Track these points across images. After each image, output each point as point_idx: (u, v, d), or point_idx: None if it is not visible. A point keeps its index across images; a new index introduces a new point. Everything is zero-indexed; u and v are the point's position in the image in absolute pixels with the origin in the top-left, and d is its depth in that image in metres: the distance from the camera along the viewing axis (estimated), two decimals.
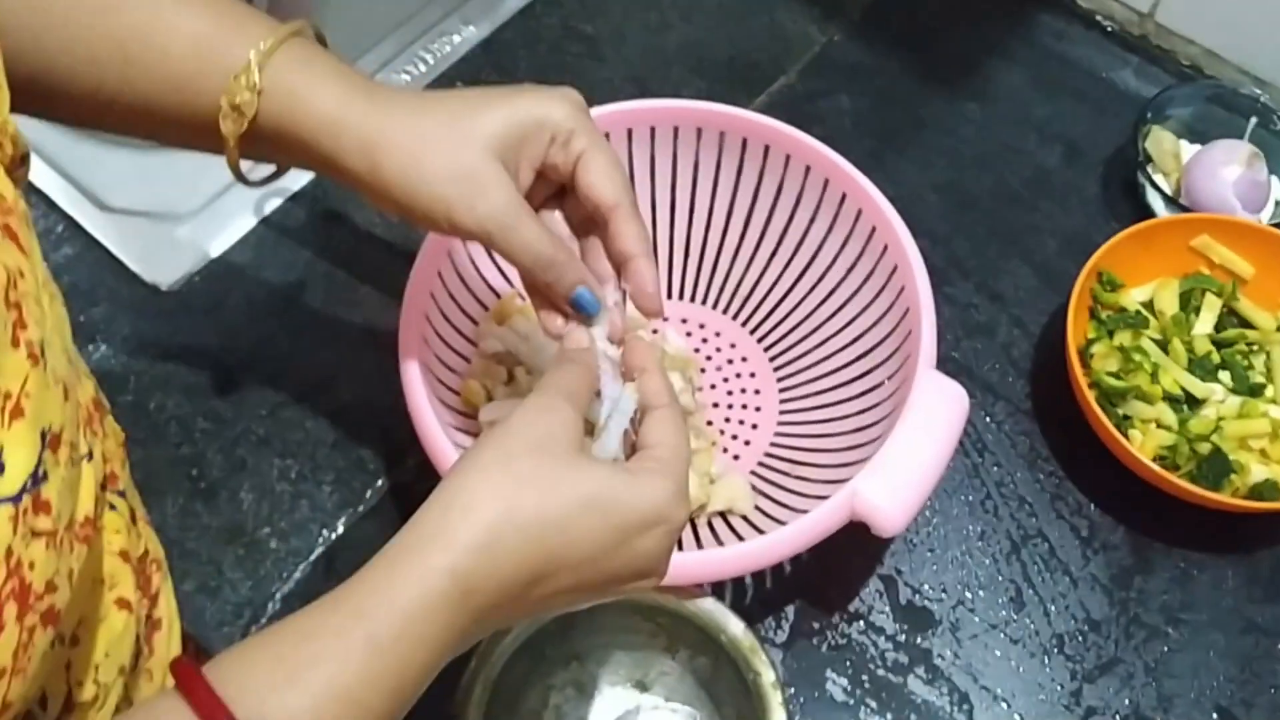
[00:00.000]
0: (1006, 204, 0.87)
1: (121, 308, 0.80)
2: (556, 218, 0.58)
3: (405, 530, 0.46)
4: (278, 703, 0.41)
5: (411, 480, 0.74)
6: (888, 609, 0.71)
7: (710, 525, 0.70)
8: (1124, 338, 0.75)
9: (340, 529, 0.73)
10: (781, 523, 0.68)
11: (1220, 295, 0.77)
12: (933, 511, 0.74)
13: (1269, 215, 0.82)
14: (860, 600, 0.72)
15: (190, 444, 0.75)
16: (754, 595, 0.71)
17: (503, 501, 0.45)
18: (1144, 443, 0.72)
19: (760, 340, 0.78)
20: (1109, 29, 0.95)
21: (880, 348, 0.70)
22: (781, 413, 0.76)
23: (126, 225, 0.83)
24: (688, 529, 0.70)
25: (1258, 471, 0.71)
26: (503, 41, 0.93)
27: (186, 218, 0.83)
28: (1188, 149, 0.85)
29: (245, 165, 0.56)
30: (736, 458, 0.74)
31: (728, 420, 0.76)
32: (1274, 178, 0.83)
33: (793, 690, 0.69)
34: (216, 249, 0.82)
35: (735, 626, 0.62)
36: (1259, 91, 0.84)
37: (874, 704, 0.68)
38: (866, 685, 0.69)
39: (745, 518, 0.70)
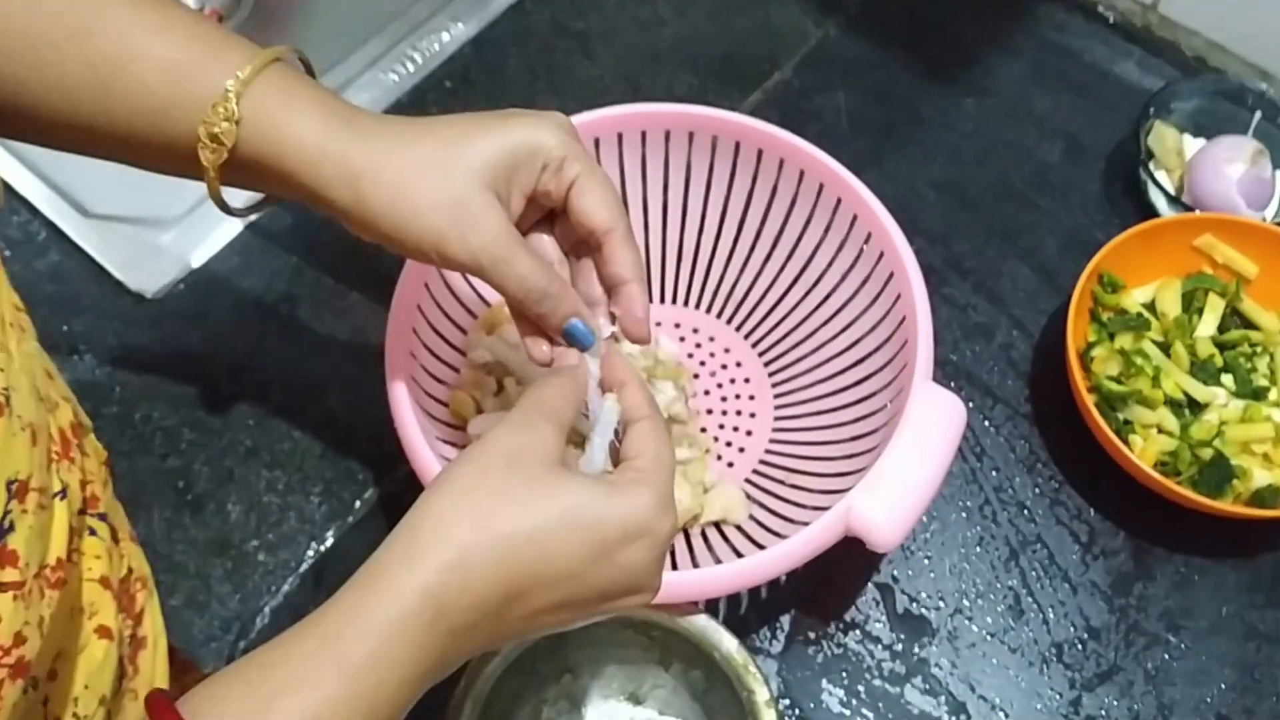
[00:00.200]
0: (1006, 201, 0.85)
1: (105, 317, 0.79)
2: (547, 242, 0.57)
3: (378, 551, 0.45)
4: None
5: (401, 490, 0.74)
6: (884, 618, 0.70)
7: (704, 535, 0.69)
8: (1125, 340, 0.74)
9: (329, 540, 0.72)
10: (776, 534, 0.67)
11: (1224, 295, 0.76)
12: (930, 518, 0.73)
13: (1273, 212, 0.80)
14: (856, 609, 0.71)
15: (177, 455, 0.74)
16: (748, 604, 0.70)
17: (474, 518, 0.44)
18: (1145, 449, 0.71)
19: (755, 346, 0.77)
20: (1111, 20, 0.93)
21: (876, 355, 0.69)
22: (776, 419, 0.75)
23: (110, 232, 0.81)
24: (681, 540, 0.69)
25: (1260, 477, 0.70)
26: (492, 39, 0.91)
27: (171, 224, 0.82)
28: (1191, 144, 0.83)
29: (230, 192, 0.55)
30: (730, 465, 0.73)
31: (721, 427, 0.75)
32: (1278, 173, 0.82)
33: (788, 702, 0.68)
34: (201, 256, 0.81)
35: (729, 644, 0.61)
36: (1264, 85, 0.83)
37: (870, 715, 0.68)
38: (863, 695, 0.68)
39: (739, 528, 0.69)
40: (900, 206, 0.81)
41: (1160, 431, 0.72)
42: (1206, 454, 0.70)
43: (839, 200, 0.70)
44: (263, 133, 0.52)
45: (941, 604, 0.71)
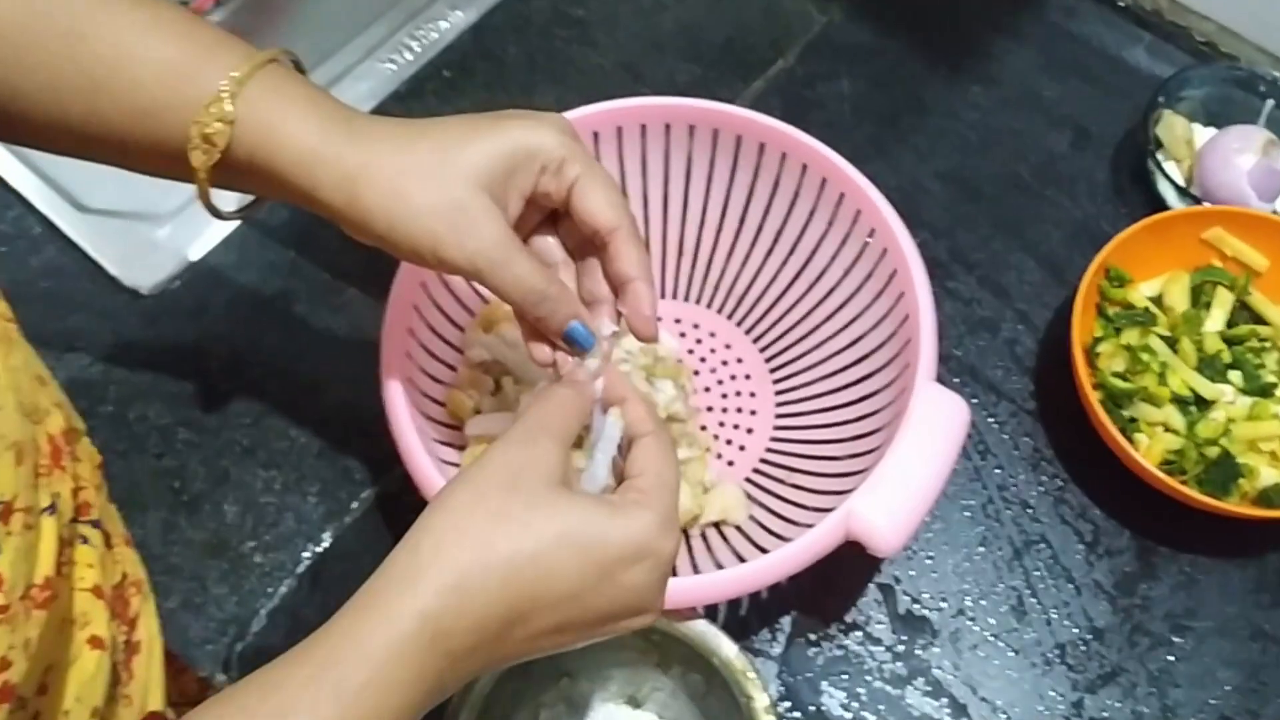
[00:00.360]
0: (1012, 192, 0.84)
1: (100, 314, 0.78)
2: (551, 243, 0.56)
3: (375, 574, 0.44)
4: None
5: (399, 490, 0.73)
6: (886, 619, 0.70)
7: (704, 536, 0.69)
8: (1131, 336, 0.73)
9: (326, 542, 0.71)
10: (777, 535, 0.66)
11: (1233, 289, 0.75)
12: (933, 517, 0.72)
13: None
14: (858, 610, 0.70)
15: (172, 455, 0.74)
16: (749, 606, 0.70)
17: (473, 539, 0.44)
18: (1150, 447, 0.70)
19: (756, 341, 0.76)
20: (1121, 4, 0.91)
21: (878, 353, 0.68)
22: (778, 416, 0.74)
23: (105, 227, 0.80)
24: (681, 544, 0.68)
25: (1267, 475, 0.69)
26: (491, 27, 0.90)
27: (166, 218, 0.81)
28: (1201, 133, 0.82)
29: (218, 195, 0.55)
30: (731, 464, 0.73)
31: (722, 425, 0.74)
32: None
33: (788, 704, 0.67)
34: (197, 251, 0.80)
35: (728, 649, 0.60)
36: (1276, 73, 0.81)
37: (871, 717, 0.67)
38: (864, 698, 0.67)
39: (739, 528, 0.69)
40: (905, 198, 0.80)
41: (1166, 430, 0.71)
42: (1213, 452, 0.69)
43: (842, 195, 0.69)
44: (257, 134, 0.51)
45: (944, 604, 0.70)
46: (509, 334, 0.70)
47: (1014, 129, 0.86)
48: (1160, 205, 0.81)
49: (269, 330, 0.78)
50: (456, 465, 0.66)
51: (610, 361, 0.53)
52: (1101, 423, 0.68)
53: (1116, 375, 0.72)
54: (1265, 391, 0.72)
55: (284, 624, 0.69)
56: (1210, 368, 0.72)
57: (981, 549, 0.72)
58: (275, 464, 0.74)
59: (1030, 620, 0.70)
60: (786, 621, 0.70)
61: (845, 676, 0.68)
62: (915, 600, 0.70)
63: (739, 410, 0.74)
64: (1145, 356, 0.72)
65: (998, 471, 0.74)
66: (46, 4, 0.51)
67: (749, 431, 0.74)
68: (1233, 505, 0.67)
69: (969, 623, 0.69)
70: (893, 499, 0.58)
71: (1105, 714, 0.67)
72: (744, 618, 0.69)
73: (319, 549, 0.71)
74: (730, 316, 0.77)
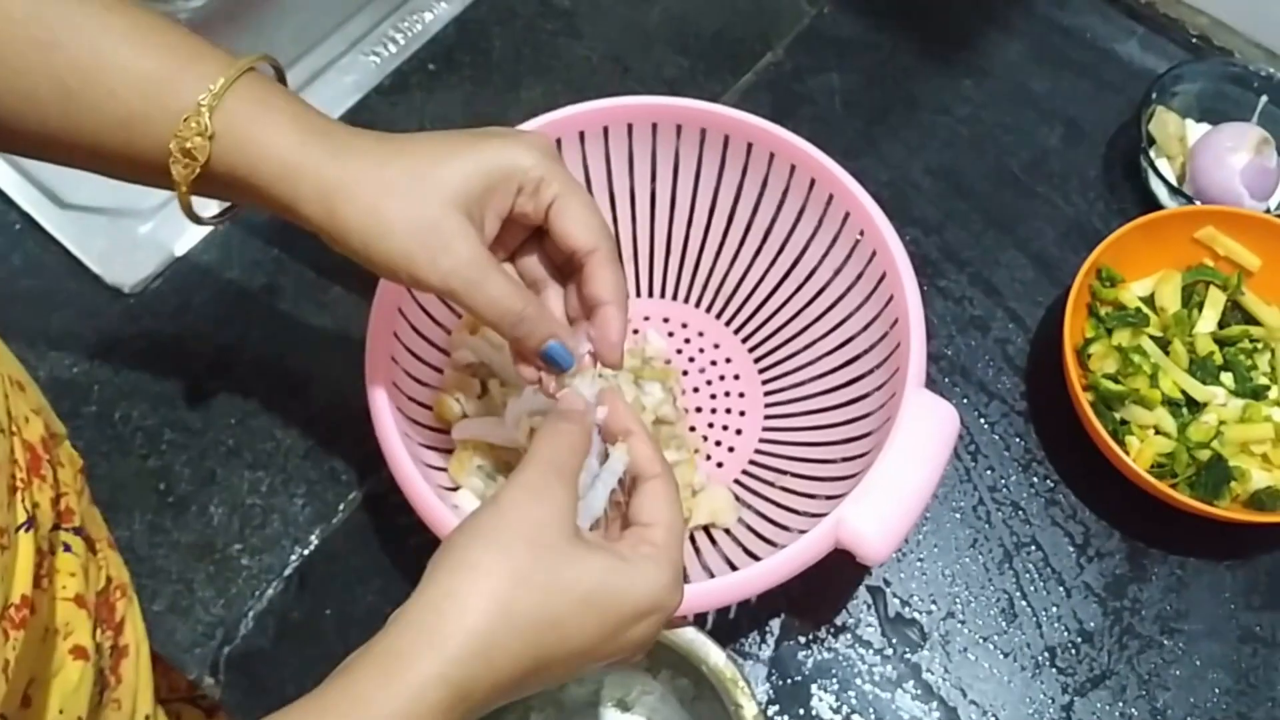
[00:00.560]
0: (1003, 189, 0.83)
1: (83, 312, 0.77)
2: (533, 263, 0.56)
3: (395, 631, 0.44)
4: None
5: (386, 490, 0.72)
6: (875, 621, 0.70)
7: (693, 539, 0.68)
8: (1123, 337, 0.73)
9: (313, 543, 0.71)
10: (766, 539, 0.66)
11: (1224, 289, 0.74)
12: (923, 519, 0.72)
13: (1278, 200, 0.78)
14: (847, 612, 0.70)
15: (157, 456, 0.73)
16: (738, 609, 0.69)
17: (498, 604, 0.44)
18: (1141, 450, 0.70)
19: (745, 341, 0.76)
20: None
21: (868, 355, 0.68)
22: (767, 417, 0.73)
23: (86, 223, 0.79)
24: None
25: (1259, 478, 0.69)
26: (476, 19, 0.89)
27: (149, 214, 0.80)
28: (1194, 130, 0.81)
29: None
30: (720, 465, 0.72)
31: (711, 426, 0.73)
32: None
33: (777, 707, 0.67)
34: (181, 247, 0.79)
35: (716, 656, 0.60)
36: (1271, 69, 0.80)
37: None
38: (853, 701, 0.67)
39: (728, 531, 0.68)
40: (895, 193, 0.80)
41: (1158, 433, 0.70)
42: (1204, 455, 0.69)
43: (831, 196, 0.68)
44: (236, 146, 0.50)
45: (934, 607, 0.70)
46: (495, 336, 0.69)
47: (1005, 124, 0.86)
48: (1152, 202, 0.80)
49: (254, 328, 0.77)
50: (443, 469, 0.66)
51: (612, 387, 0.53)
52: (1093, 426, 0.68)
53: (1108, 377, 0.71)
54: (1257, 394, 0.71)
55: (272, 627, 0.69)
56: (1202, 370, 0.72)
57: (972, 551, 0.71)
58: (261, 465, 0.73)
59: (1020, 623, 0.69)
60: (776, 624, 0.69)
61: (835, 679, 0.68)
62: (905, 603, 0.70)
63: (728, 411, 0.74)
64: (1137, 358, 0.71)
65: (989, 473, 0.73)
66: (23, 13, 0.50)
67: (738, 433, 0.73)
68: (1223, 509, 0.67)
69: (959, 625, 0.69)
70: (882, 508, 0.58)
71: (1095, 717, 0.67)
72: (733, 620, 0.69)
73: (306, 551, 0.71)
74: (719, 316, 0.77)
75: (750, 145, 0.70)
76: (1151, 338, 0.73)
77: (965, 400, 0.75)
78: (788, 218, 0.71)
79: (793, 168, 0.69)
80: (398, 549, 0.70)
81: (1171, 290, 0.74)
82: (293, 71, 0.84)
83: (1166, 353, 0.73)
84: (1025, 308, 0.79)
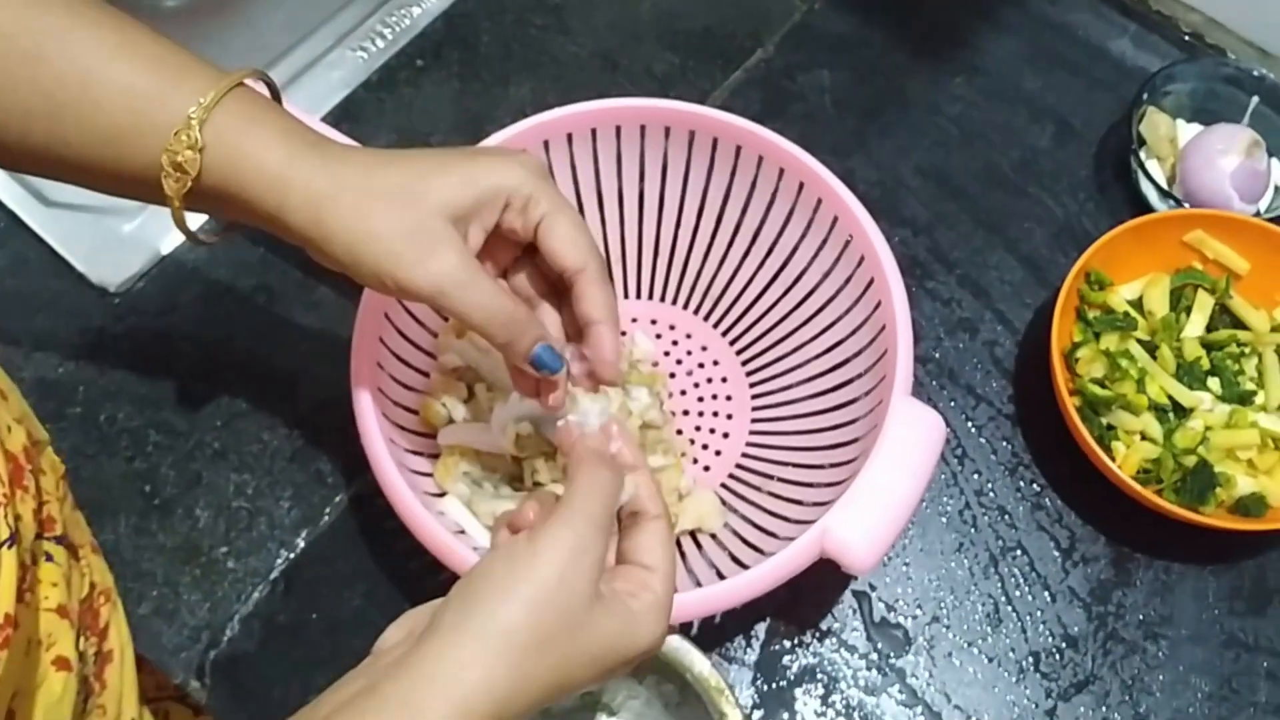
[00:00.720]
0: (993, 188, 0.83)
1: (68, 312, 0.77)
2: (523, 281, 0.57)
3: (410, 677, 0.42)
4: None
5: (372, 493, 0.71)
6: (860, 626, 0.70)
7: (678, 543, 0.68)
8: (1110, 341, 0.72)
9: (300, 547, 0.71)
10: (752, 545, 0.66)
11: (1213, 292, 0.74)
12: (909, 524, 0.72)
13: (1267, 203, 0.78)
14: (833, 617, 0.70)
15: (143, 458, 0.73)
16: (723, 614, 0.69)
17: (520, 673, 0.43)
18: (1127, 456, 0.70)
19: (733, 344, 0.75)
20: None
21: (856, 361, 0.68)
22: (754, 420, 0.73)
23: (71, 222, 0.79)
24: None
25: (1244, 484, 0.69)
26: (464, 13, 0.88)
27: (134, 213, 0.79)
28: (1185, 130, 0.81)
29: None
30: (706, 469, 0.72)
31: (698, 429, 0.73)
32: (1275, 161, 0.79)
33: (762, 712, 0.67)
34: (167, 246, 0.79)
35: (701, 665, 0.60)
36: (1263, 69, 0.80)
37: None
38: (838, 706, 0.68)
39: (714, 536, 0.68)
40: (885, 193, 0.80)
41: (1144, 438, 0.70)
42: (1190, 461, 0.69)
43: (819, 200, 0.68)
44: (226, 159, 0.50)
45: (919, 612, 0.70)
46: (482, 340, 0.69)
47: (996, 123, 0.85)
48: (1142, 203, 0.80)
49: (241, 329, 0.77)
50: (429, 475, 0.66)
51: (616, 418, 0.54)
52: (1078, 431, 0.68)
53: (1095, 381, 0.71)
54: (1244, 399, 0.71)
55: (257, 631, 0.69)
56: (1189, 375, 0.72)
57: (957, 556, 0.71)
58: (247, 467, 0.73)
59: (1005, 628, 0.70)
60: (761, 629, 0.69)
61: (820, 684, 0.68)
62: (890, 608, 0.70)
63: (715, 414, 0.74)
64: (1124, 363, 0.71)
65: (975, 476, 0.74)
66: (11, 26, 0.50)
67: (725, 436, 0.73)
68: (1209, 516, 0.67)
69: (944, 630, 0.69)
70: (867, 519, 0.58)
71: None
72: (719, 625, 0.69)
73: (292, 554, 0.71)
74: (707, 318, 0.76)
75: (739, 148, 0.69)
76: (1139, 341, 0.73)
77: (953, 403, 0.75)
78: (776, 220, 0.71)
79: (781, 171, 0.69)
80: (384, 553, 0.70)
81: (1160, 294, 0.74)
82: (279, 67, 0.84)
83: (1154, 357, 0.73)
84: (1014, 310, 0.78)
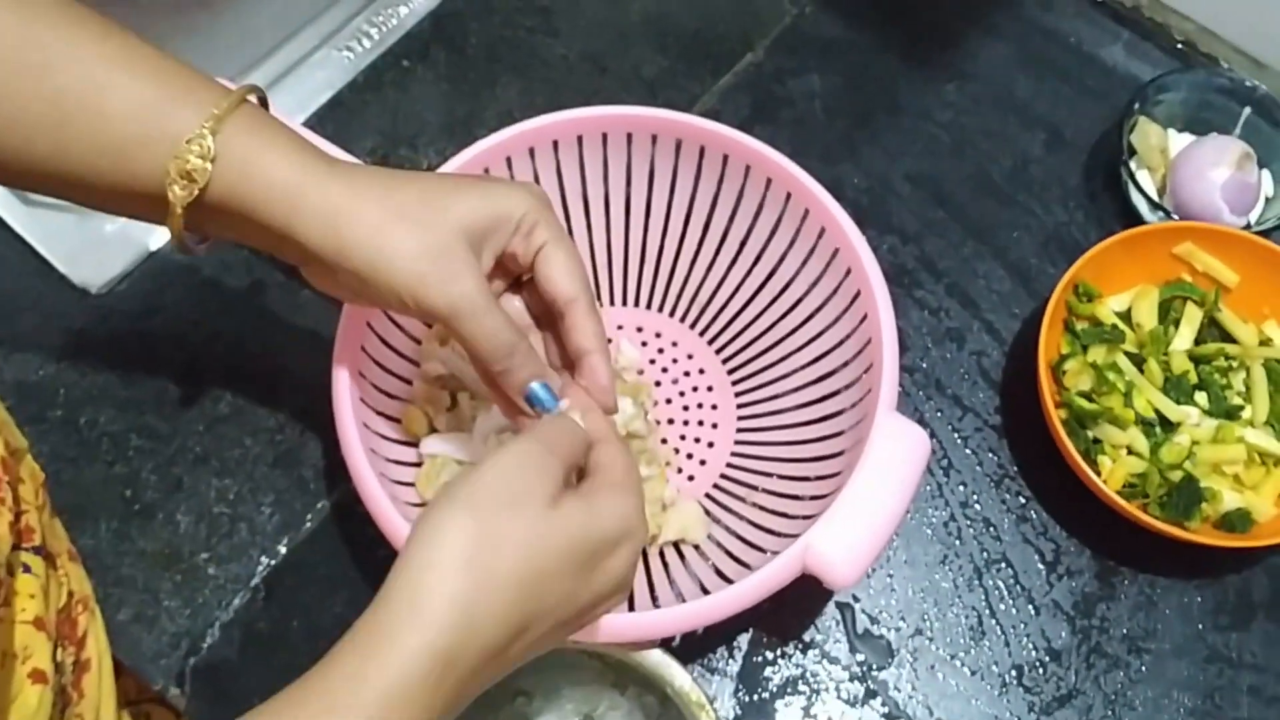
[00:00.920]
0: (983, 197, 0.82)
1: (49, 314, 0.76)
2: (518, 305, 0.58)
3: (377, 608, 0.44)
4: None
5: (354, 501, 0.70)
6: (844, 637, 0.70)
7: (661, 555, 0.68)
8: (1098, 354, 0.72)
9: (281, 553, 0.70)
10: (735, 557, 0.66)
11: (1202, 305, 0.74)
12: (893, 535, 0.72)
13: (1257, 215, 0.78)
14: (815, 628, 0.70)
15: (124, 462, 0.72)
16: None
17: (479, 570, 0.44)
18: (1113, 470, 0.70)
19: (719, 352, 0.75)
20: None
21: (841, 373, 0.67)
22: (739, 431, 0.73)
23: (53, 220, 0.78)
24: (639, 564, 0.67)
25: (1230, 499, 0.69)
26: (452, 14, 0.87)
27: None
28: (1176, 140, 0.80)
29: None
30: (691, 478, 0.72)
31: (683, 438, 0.73)
32: (1265, 173, 0.79)
33: None
34: (150, 246, 0.78)
35: (682, 679, 0.60)
36: (1256, 83, 0.79)
37: None
38: (820, 718, 0.67)
39: (698, 548, 0.68)
40: (874, 201, 0.79)
41: (1130, 452, 0.70)
42: (1176, 476, 0.69)
43: (806, 211, 0.67)
44: (237, 167, 0.50)
45: (902, 624, 0.70)
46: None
47: (987, 130, 0.84)
48: (1132, 213, 0.80)
49: (225, 330, 0.76)
50: (411, 485, 0.65)
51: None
52: (1065, 446, 0.68)
53: (1082, 395, 0.71)
54: (1231, 414, 0.71)
55: (238, 638, 0.68)
56: (1176, 389, 0.71)
57: (942, 567, 0.71)
58: (229, 472, 0.72)
59: (989, 641, 0.69)
60: (743, 639, 0.69)
61: (802, 695, 0.68)
62: (874, 619, 0.70)
63: (700, 423, 0.73)
64: (1112, 376, 0.71)
65: (961, 488, 0.73)
66: (15, 36, 0.50)
67: (710, 445, 0.73)
68: (1194, 532, 0.67)
69: (927, 642, 0.69)
70: (849, 535, 0.58)
71: None
72: (701, 636, 0.69)
73: (274, 561, 0.70)
74: (693, 326, 0.76)
75: (726, 156, 0.69)
76: (1127, 354, 0.73)
77: (939, 414, 0.75)
78: (763, 229, 0.71)
79: (768, 180, 0.68)
80: (366, 560, 0.70)
81: (1149, 306, 0.74)
82: (265, 66, 0.84)
83: (1141, 370, 0.72)
84: (1002, 320, 0.78)
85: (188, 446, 0.73)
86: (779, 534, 0.65)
